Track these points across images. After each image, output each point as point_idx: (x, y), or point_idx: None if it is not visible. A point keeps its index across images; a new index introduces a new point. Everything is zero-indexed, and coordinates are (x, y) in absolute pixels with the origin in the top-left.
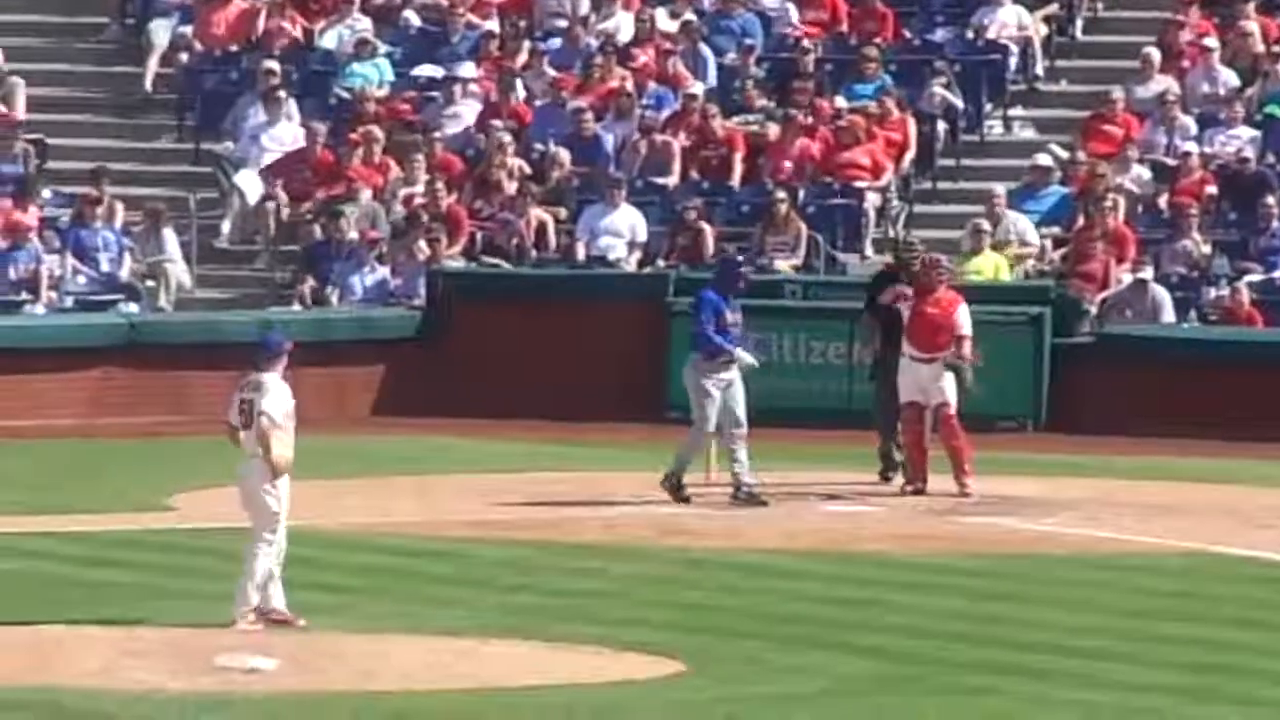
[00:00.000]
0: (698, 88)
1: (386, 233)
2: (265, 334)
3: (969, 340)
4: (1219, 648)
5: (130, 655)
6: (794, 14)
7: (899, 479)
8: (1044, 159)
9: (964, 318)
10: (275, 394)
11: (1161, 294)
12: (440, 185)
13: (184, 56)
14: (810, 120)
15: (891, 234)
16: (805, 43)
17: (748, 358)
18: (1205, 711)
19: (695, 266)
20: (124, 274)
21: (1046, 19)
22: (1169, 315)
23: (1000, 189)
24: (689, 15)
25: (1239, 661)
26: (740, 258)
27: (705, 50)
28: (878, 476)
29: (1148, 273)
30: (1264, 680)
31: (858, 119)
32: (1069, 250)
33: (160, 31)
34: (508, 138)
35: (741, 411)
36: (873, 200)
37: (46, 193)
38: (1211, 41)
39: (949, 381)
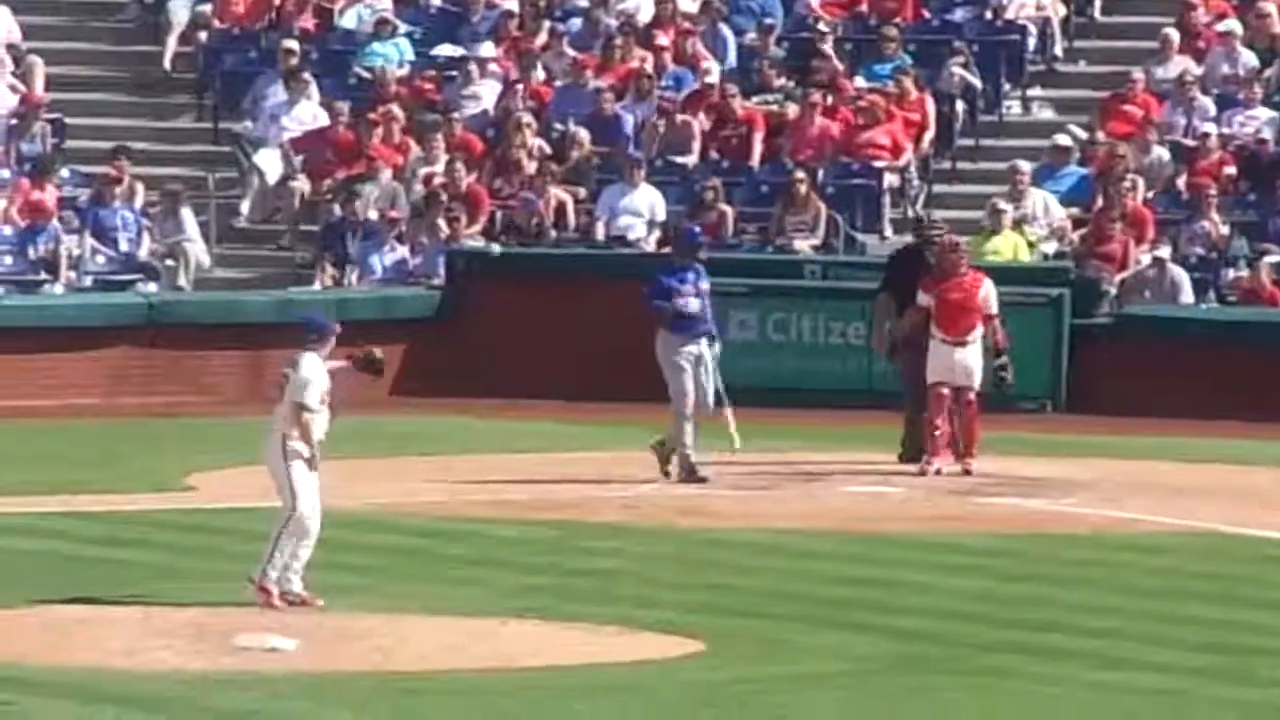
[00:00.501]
0: (716, 68)
1: (406, 212)
2: (309, 314)
3: (998, 322)
4: (1239, 628)
5: (151, 635)
6: None
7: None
8: (1063, 139)
9: (990, 297)
10: (305, 373)
11: (1180, 274)
12: (460, 165)
13: (203, 35)
14: (829, 100)
15: (911, 214)
16: (824, 23)
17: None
18: (1228, 692)
19: (715, 246)
20: (143, 254)
21: None
22: (1188, 296)
23: (1026, 166)
24: None
25: (1260, 642)
26: (697, 227)
27: (725, 30)
28: (896, 458)
29: (1166, 253)
30: None
31: (877, 99)
32: (1088, 231)
33: (179, 10)
34: (527, 117)
35: (710, 389)
36: (892, 180)
37: (65, 172)
38: (1233, 24)
39: (976, 364)
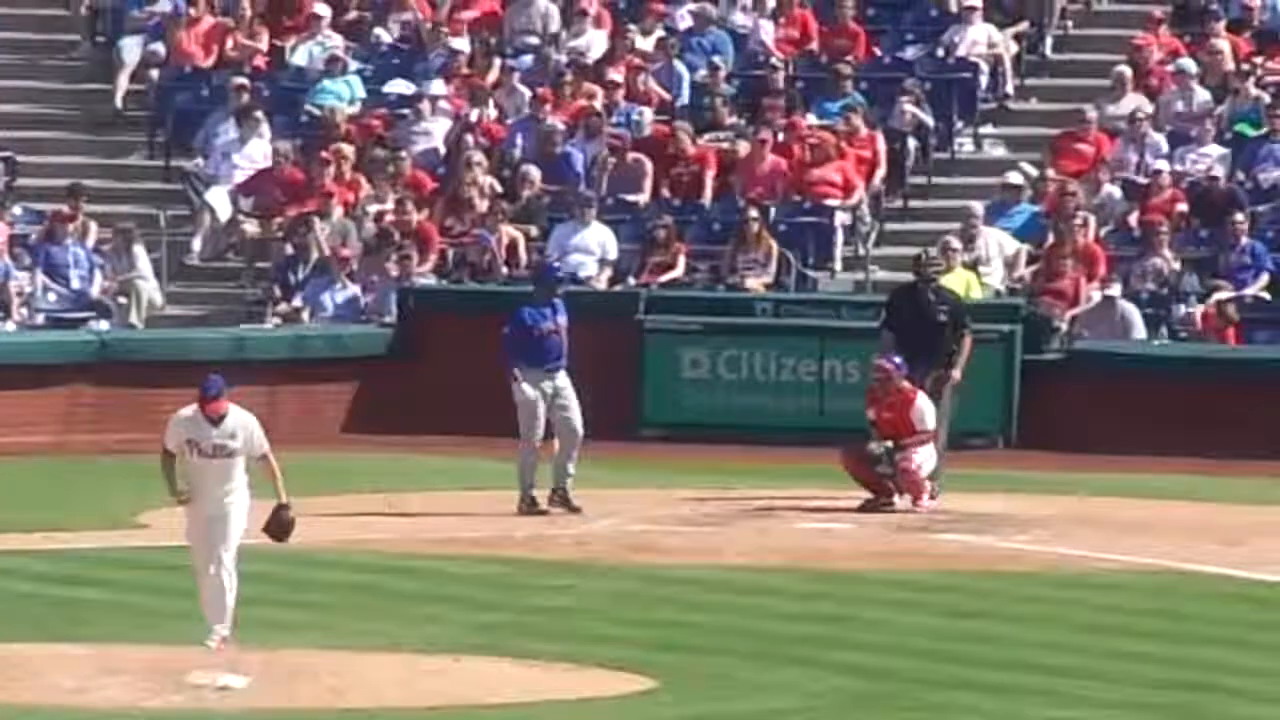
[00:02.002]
0: (647, 115)
1: (358, 250)
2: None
3: (931, 439)
4: (1192, 666)
5: (103, 673)
6: (766, 31)
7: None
8: (1014, 177)
9: (922, 415)
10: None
11: (1130, 311)
12: (410, 203)
13: (154, 73)
14: (781, 138)
15: (862, 251)
16: (776, 60)
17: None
18: None
19: (667, 284)
20: (95, 291)
21: (1017, 37)
22: (1139, 332)
23: (978, 207)
24: (660, 32)
25: (1212, 679)
26: (556, 264)
27: (680, 67)
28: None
29: (1116, 290)
30: (1239, 699)
31: (827, 136)
32: (1039, 268)
33: (131, 48)
34: (478, 155)
35: (575, 417)
36: (843, 218)
37: (17, 209)
38: (1186, 62)
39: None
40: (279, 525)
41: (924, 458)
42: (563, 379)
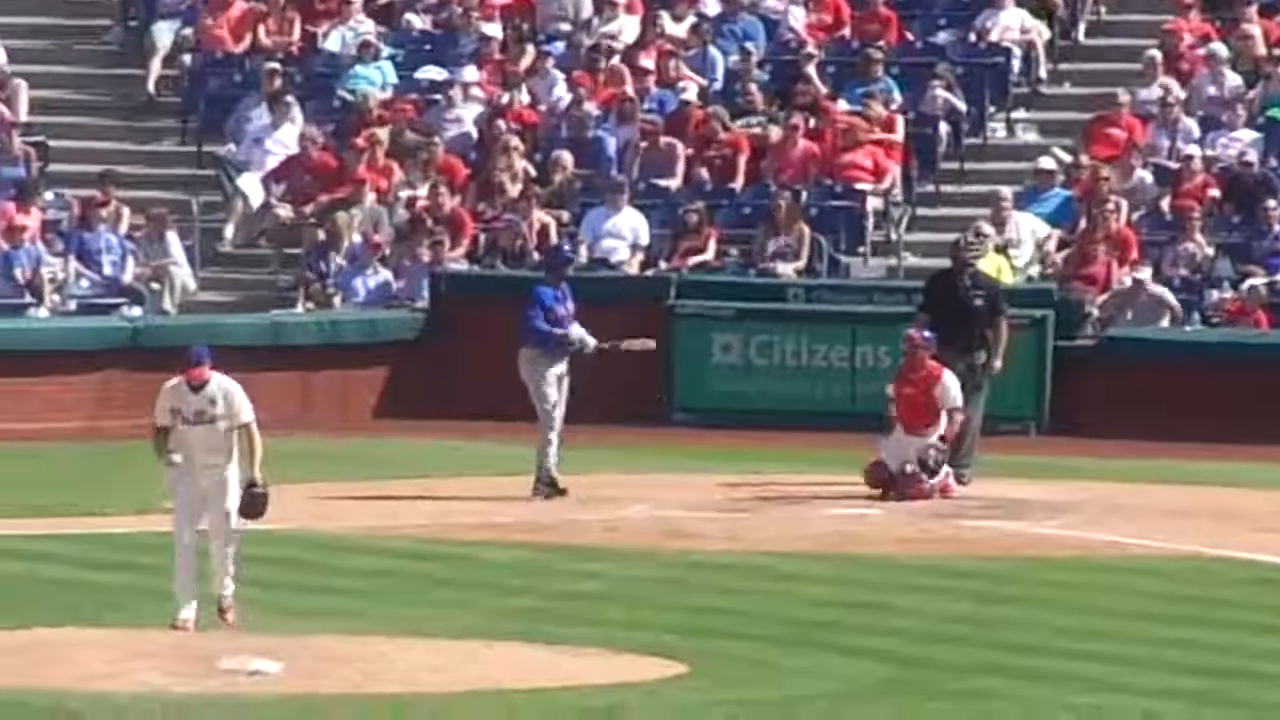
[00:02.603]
0: (692, 91)
1: (390, 235)
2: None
3: (959, 416)
4: (1224, 651)
5: (135, 657)
6: (797, 17)
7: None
8: (1046, 162)
9: (948, 392)
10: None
11: (1164, 294)
12: (443, 188)
13: (187, 59)
14: (812, 123)
15: (894, 237)
16: (808, 46)
17: (588, 338)
18: (1214, 714)
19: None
20: (127, 277)
21: (1049, 21)
22: (1171, 317)
23: (1007, 192)
24: (691, 18)
25: (1245, 665)
26: (566, 246)
27: (714, 52)
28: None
29: (1146, 274)
30: (1272, 684)
31: (859, 121)
32: (1071, 253)
33: (163, 34)
34: (512, 140)
35: (563, 405)
36: (874, 203)
37: (49, 195)
38: (1219, 47)
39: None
40: (249, 504)
41: (937, 473)
42: (565, 367)
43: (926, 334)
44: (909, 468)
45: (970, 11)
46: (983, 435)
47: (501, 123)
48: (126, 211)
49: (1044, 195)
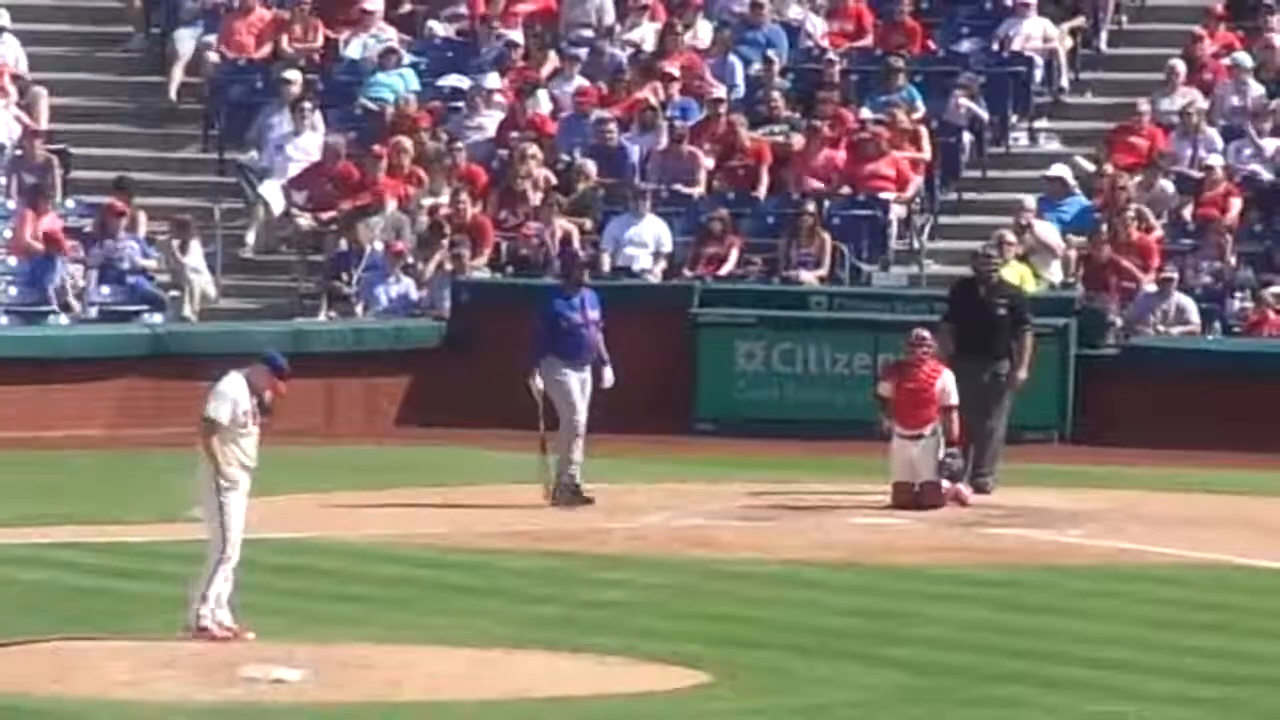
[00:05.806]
0: (721, 92)
1: (412, 243)
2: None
3: (955, 414)
4: (1247, 659)
5: (156, 665)
6: (820, 25)
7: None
8: (1058, 170)
9: (948, 388)
10: (221, 387)
11: (1185, 304)
12: (465, 196)
13: (209, 64)
14: (834, 131)
15: (917, 245)
16: (831, 54)
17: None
18: None
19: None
20: (148, 285)
21: (1072, 31)
22: (1194, 325)
23: (1030, 200)
24: (712, 26)
25: (1267, 673)
26: (579, 250)
27: (735, 60)
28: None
29: (1170, 283)
30: None
31: (881, 130)
32: (1093, 262)
33: (185, 41)
34: (533, 148)
35: (584, 413)
36: (897, 211)
37: (70, 203)
38: (1242, 56)
39: (929, 460)
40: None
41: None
42: (588, 374)
43: (926, 333)
44: (930, 476)
45: (993, 21)
46: (1007, 443)
47: (520, 131)
48: (143, 216)
49: (1063, 204)
